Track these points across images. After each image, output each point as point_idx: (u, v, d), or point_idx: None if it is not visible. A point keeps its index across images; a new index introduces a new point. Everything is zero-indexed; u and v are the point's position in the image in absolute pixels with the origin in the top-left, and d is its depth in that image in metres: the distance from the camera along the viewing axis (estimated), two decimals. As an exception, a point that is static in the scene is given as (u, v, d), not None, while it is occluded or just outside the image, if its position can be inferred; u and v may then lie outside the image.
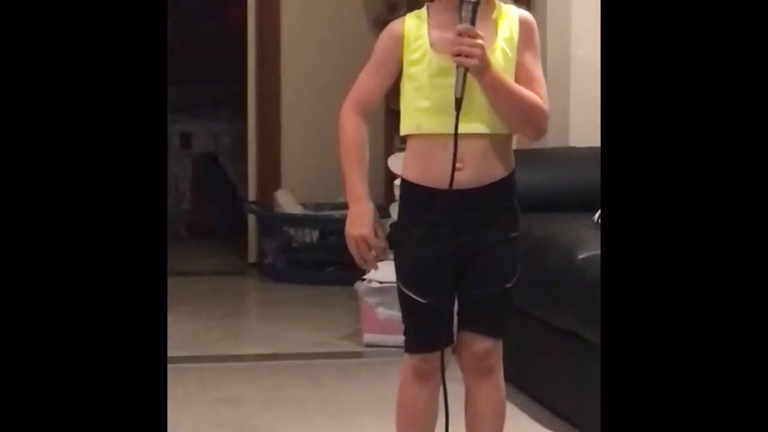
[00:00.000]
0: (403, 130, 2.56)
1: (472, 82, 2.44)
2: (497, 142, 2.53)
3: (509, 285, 2.58)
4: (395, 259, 2.62)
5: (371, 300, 4.46)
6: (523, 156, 2.96)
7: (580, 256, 3.32)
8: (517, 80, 2.50)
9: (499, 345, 2.62)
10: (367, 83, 2.59)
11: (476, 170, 2.50)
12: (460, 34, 2.41)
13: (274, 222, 6.01)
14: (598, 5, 4.32)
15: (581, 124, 4.38)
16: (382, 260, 2.60)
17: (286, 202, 5.99)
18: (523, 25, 2.54)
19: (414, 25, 2.53)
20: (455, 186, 2.46)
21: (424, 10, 2.55)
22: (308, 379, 4.08)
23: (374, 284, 4.40)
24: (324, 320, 4.97)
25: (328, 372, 4.20)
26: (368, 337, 4.50)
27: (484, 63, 2.41)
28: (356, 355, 4.46)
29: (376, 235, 2.53)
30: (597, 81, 4.27)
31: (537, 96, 2.51)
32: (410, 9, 2.64)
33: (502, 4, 2.55)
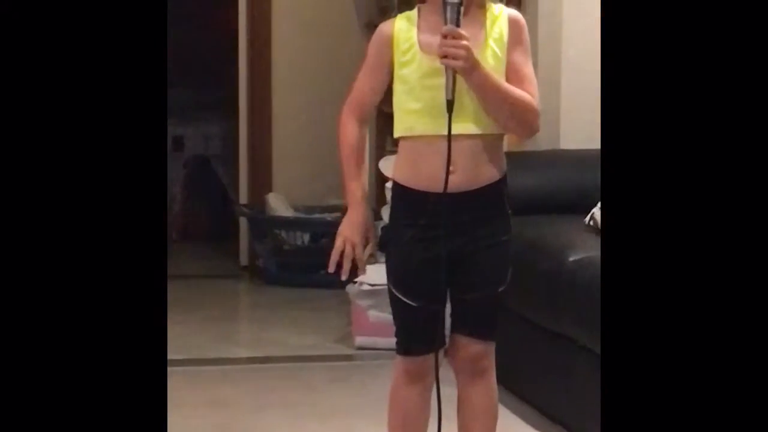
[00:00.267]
0: (397, 132, 2.56)
1: (463, 83, 2.44)
2: (488, 144, 2.52)
3: (501, 288, 2.58)
4: (386, 262, 2.62)
5: (363, 303, 4.46)
6: (515, 158, 2.96)
7: (572, 258, 3.32)
8: (507, 79, 2.50)
9: (491, 347, 2.62)
10: (362, 86, 2.59)
11: (468, 173, 2.50)
12: (444, 36, 2.41)
13: (265, 225, 6.00)
14: (589, 6, 4.36)
15: (572, 127, 4.38)
16: (357, 274, 2.60)
17: (278, 205, 5.99)
18: (513, 24, 2.54)
19: (404, 27, 2.53)
20: (447, 189, 2.46)
21: (414, 12, 2.55)
22: (300, 382, 4.08)
23: (366, 287, 4.40)
24: (315, 323, 4.97)
25: (319, 375, 4.20)
26: (360, 340, 4.50)
27: (470, 63, 2.41)
28: (348, 357, 4.46)
29: (367, 241, 2.55)
30: (588, 82, 4.33)
31: (528, 94, 2.50)
32: (402, 12, 2.64)
33: (492, 4, 2.55)
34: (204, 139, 7.35)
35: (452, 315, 2.61)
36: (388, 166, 3.42)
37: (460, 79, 2.43)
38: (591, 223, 3.63)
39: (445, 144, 2.45)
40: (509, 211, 2.59)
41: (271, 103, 6.21)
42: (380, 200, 5.07)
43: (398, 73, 2.53)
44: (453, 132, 2.44)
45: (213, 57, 7.22)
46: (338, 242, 2.56)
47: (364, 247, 2.56)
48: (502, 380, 2.70)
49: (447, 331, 2.61)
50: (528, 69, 2.54)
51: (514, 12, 2.58)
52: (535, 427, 3.51)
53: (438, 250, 2.51)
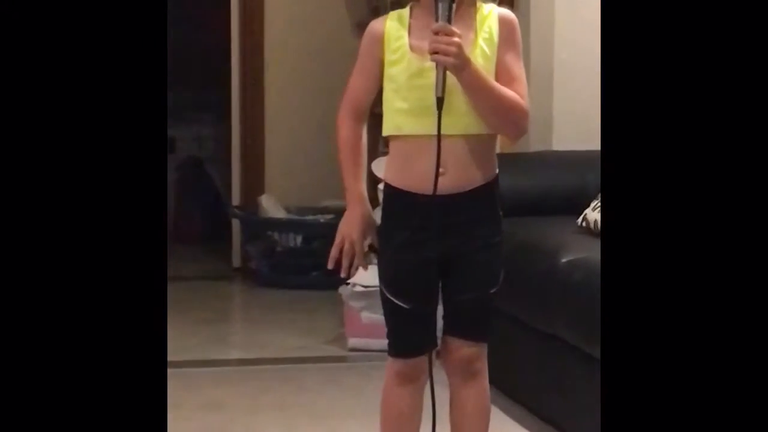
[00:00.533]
0: (385, 131, 2.55)
1: (452, 83, 2.43)
2: (479, 145, 2.52)
3: (493, 290, 2.57)
4: (378, 264, 2.62)
5: (355, 304, 4.45)
6: (507, 160, 2.96)
7: (564, 260, 3.32)
8: (497, 79, 2.48)
9: (484, 349, 2.62)
10: (355, 85, 2.59)
11: (458, 175, 2.49)
12: (436, 33, 2.40)
13: (258, 226, 6.00)
14: (581, 7, 4.36)
15: (564, 128, 4.39)
16: (354, 270, 2.60)
17: (270, 206, 5.98)
18: (503, 23, 2.53)
19: (395, 26, 2.52)
20: (437, 191, 2.46)
21: (406, 11, 2.54)
22: (292, 384, 4.08)
23: (358, 288, 4.40)
24: (308, 325, 4.96)
25: (312, 376, 4.19)
26: (352, 342, 4.50)
27: (461, 60, 2.40)
28: (340, 359, 4.46)
29: (365, 238, 2.56)
30: (580, 84, 4.34)
31: (517, 95, 2.49)
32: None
33: (483, 4, 2.54)
34: (197, 141, 7.35)
35: (444, 317, 2.60)
36: (380, 167, 3.41)
37: (449, 79, 2.42)
38: (583, 224, 3.64)
39: (434, 145, 2.44)
40: (501, 213, 2.59)
41: (263, 104, 6.21)
42: (373, 202, 5.07)
43: (387, 72, 2.52)
44: (442, 132, 2.43)
45: (205, 58, 7.21)
46: (337, 239, 2.56)
47: (364, 243, 2.56)
48: (494, 381, 2.69)
49: (439, 333, 2.61)
50: (518, 70, 2.52)
51: (505, 11, 2.56)
52: (527, 429, 3.51)
53: (429, 252, 2.51)
